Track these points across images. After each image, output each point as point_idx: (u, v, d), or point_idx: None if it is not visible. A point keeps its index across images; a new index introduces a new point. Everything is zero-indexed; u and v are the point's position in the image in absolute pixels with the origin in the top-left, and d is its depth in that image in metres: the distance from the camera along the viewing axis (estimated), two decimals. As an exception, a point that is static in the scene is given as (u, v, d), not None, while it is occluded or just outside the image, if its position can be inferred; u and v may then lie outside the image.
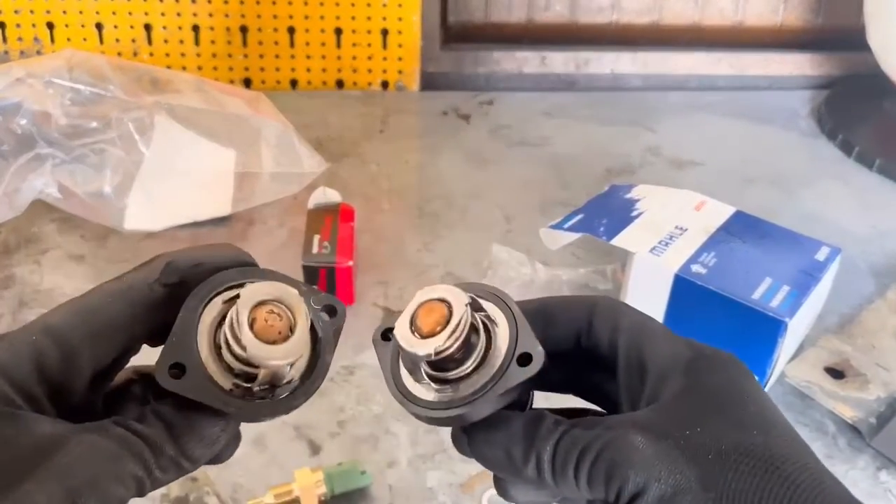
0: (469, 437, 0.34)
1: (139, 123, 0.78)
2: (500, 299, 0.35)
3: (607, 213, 0.73)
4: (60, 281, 0.75)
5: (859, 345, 0.73)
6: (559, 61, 1.17)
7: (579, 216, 0.73)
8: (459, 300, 0.33)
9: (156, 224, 0.80)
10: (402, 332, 0.33)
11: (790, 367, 0.70)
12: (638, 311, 0.35)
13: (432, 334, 0.32)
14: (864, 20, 1.06)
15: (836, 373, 0.70)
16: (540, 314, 0.35)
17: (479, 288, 0.35)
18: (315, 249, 0.73)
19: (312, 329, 0.34)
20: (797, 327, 0.65)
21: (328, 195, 0.80)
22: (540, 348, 0.33)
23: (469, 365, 0.33)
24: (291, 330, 0.32)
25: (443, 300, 0.33)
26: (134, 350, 0.34)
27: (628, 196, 0.76)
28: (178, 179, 0.81)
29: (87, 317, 0.32)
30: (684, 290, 0.65)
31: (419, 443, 0.62)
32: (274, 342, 0.31)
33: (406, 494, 0.58)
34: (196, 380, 0.31)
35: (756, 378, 0.33)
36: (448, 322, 0.32)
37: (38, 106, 0.77)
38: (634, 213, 0.72)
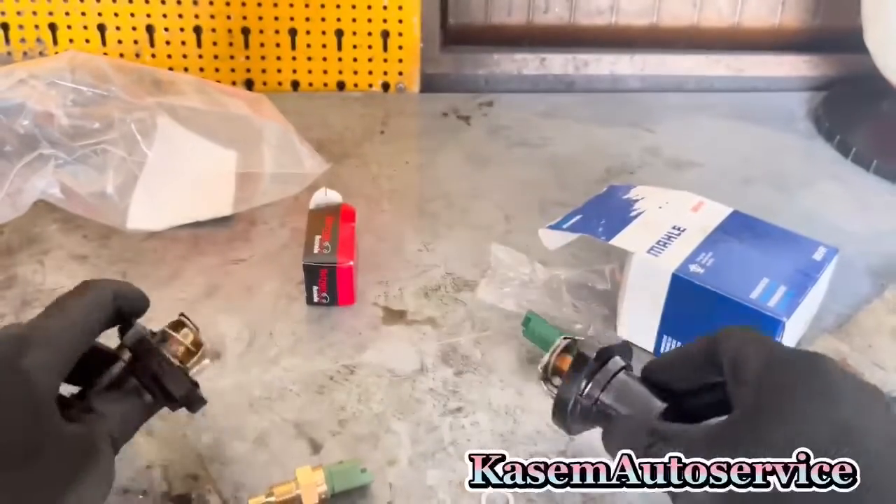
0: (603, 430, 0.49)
1: (141, 124, 0.79)
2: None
3: (606, 213, 0.73)
4: (63, 281, 0.76)
5: (856, 344, 0.73)
6: (558, 63, 1.18)
7: (578, 216, 0.73)
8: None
9: (158, 224, 0.81)
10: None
11: (787, 366, 0.70)
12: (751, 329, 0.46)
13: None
14: (862, 22, 1.06)
15: (832, 372, 0.70)
16: (666, 368, 0.50)
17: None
18: (316, 249, 0.74)
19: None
20: (794, 327, 0.66)
21: (329, 196, 0.80)
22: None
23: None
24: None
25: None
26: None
27: (627, 197, 0.77)
28: (180, 180, 0.81)
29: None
30: (682, 289, 0.65)
31: (419, 441, 0.62)
32: None
33: (406, 492, 0.58)
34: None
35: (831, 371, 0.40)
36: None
37: (41, 107, 0.77)
38: (633, 214, 0.72)
